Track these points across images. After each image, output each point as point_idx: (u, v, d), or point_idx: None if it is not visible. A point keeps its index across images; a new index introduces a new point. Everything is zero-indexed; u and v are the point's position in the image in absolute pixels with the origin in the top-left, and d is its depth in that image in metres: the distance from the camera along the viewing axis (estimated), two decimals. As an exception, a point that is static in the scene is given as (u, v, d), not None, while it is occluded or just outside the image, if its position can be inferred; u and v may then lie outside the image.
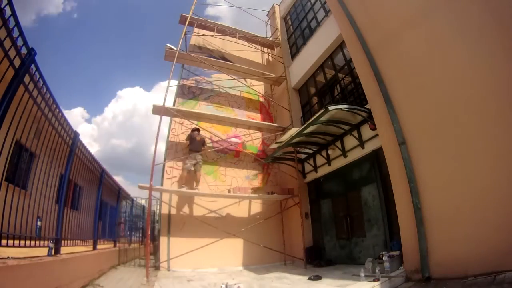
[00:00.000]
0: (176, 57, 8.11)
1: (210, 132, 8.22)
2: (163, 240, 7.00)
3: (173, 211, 7.24)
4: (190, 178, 7.44)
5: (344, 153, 6.67)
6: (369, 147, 5.97)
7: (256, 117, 9.47)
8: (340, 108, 5.44)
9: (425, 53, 4.49)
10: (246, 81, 9.47)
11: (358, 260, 5.90)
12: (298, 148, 7.77)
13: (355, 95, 6.88)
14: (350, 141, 6.51)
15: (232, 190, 7.59)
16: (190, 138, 7.62)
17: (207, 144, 7.93)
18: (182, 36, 8.76)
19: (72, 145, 4.14)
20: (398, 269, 4.41)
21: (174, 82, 9.05)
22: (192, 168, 7.34)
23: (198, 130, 7.80)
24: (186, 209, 7.34)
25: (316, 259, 6.91)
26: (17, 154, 4.73)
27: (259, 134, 9.21)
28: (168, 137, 8.06)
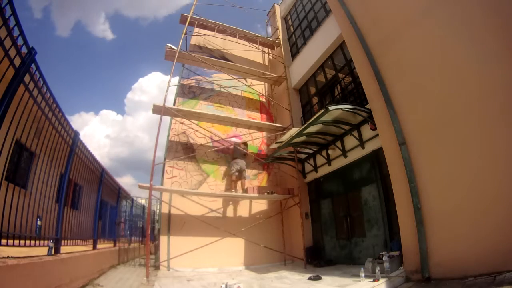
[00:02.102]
0: (176, 56, 8.11)
1: (210, 132, 8.21)
2: (163, 240, 7.00)
3: (173, 211, 7.24)
4: (234, 183, 7.68)
5: (344, 153, 6.67)
6: (369, 147, 5.96)
7: (256, 117, 9.46)
8: (341, 108, 5.43)
9: (426, 53, 4.48)
10: (246, 80, 9.47)
11: (358, 260, 5.89)
12: (298, 148, 7.77)
13: (355, 95, 6.88)
14: (350, 141, 6.51)
15: (246, 190, 7.58)
16: (235, 148, 8.04)
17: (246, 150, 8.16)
18: (183, 35, 8.76)
19: (72, 144, 4.14)
20: (398, 269, 4.41)
21: (174, 82, 9.06)
22: (237, 174, 7.65)
23: (246, 144, 8.36)
24: (186, 209, 7.34)
25: (316, 259, 6.91)
26: (17, 153, 4.74)
27: (259, 134, 9.20)
28: (168, 136, 8.06)
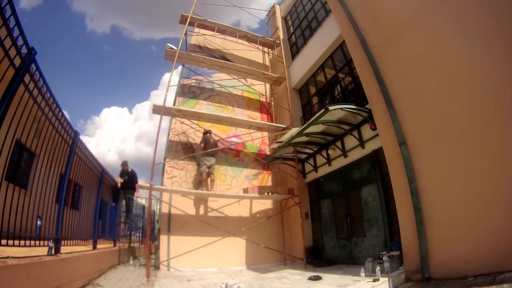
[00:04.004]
0: (176, 56, 8.11)
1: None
2: (163, 240, 7.00)
3: (173, 211, 7.24)
4: (206, 181, 7.52)
5: (345, 153, 6.67)
6: (370, 147, 5.96)
7: (256, 117, 9.46)
8: (341, 108, 5.43)
9: (426, 53, 4.48)
10: (246, 80, 9.47)
11: (358, 260, 5.90)
12: (299, 148, 7.77)
13: (355, 95, 6.88)
14: (350, 141, 6.51)
15: (246, 190, 7.56)
16: (204, 141, 7.61)
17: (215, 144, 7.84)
18: (183, 35, 8.75)
19: (72, 144, 4.14)
20: (398, 269, 4.41)
21: (174, 82, 9.05)
22: (207, 171, 7.43)
23: (210, 132, 7.84)
24: (186, 209, 7.34)
25: (316, 259, 6.91)
26: (18, 153, 4.74)
27: (259, 134, 9.20)
28: (168, 136, 8.06)
